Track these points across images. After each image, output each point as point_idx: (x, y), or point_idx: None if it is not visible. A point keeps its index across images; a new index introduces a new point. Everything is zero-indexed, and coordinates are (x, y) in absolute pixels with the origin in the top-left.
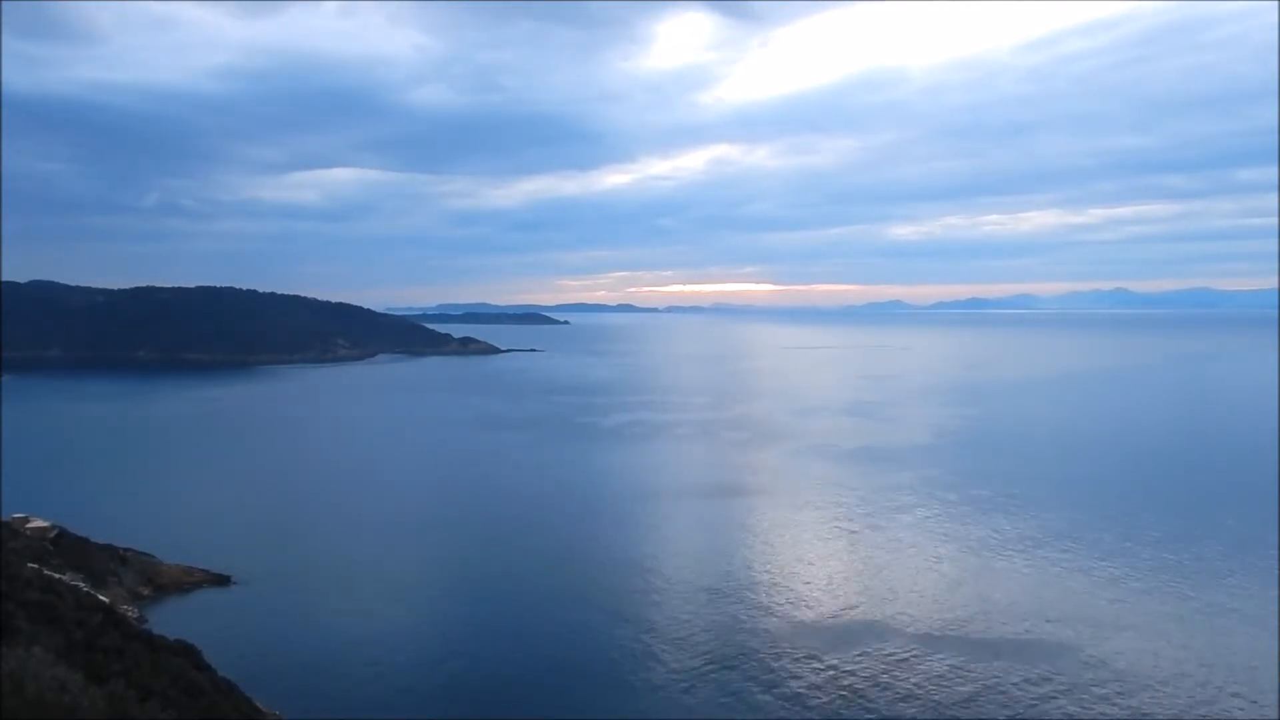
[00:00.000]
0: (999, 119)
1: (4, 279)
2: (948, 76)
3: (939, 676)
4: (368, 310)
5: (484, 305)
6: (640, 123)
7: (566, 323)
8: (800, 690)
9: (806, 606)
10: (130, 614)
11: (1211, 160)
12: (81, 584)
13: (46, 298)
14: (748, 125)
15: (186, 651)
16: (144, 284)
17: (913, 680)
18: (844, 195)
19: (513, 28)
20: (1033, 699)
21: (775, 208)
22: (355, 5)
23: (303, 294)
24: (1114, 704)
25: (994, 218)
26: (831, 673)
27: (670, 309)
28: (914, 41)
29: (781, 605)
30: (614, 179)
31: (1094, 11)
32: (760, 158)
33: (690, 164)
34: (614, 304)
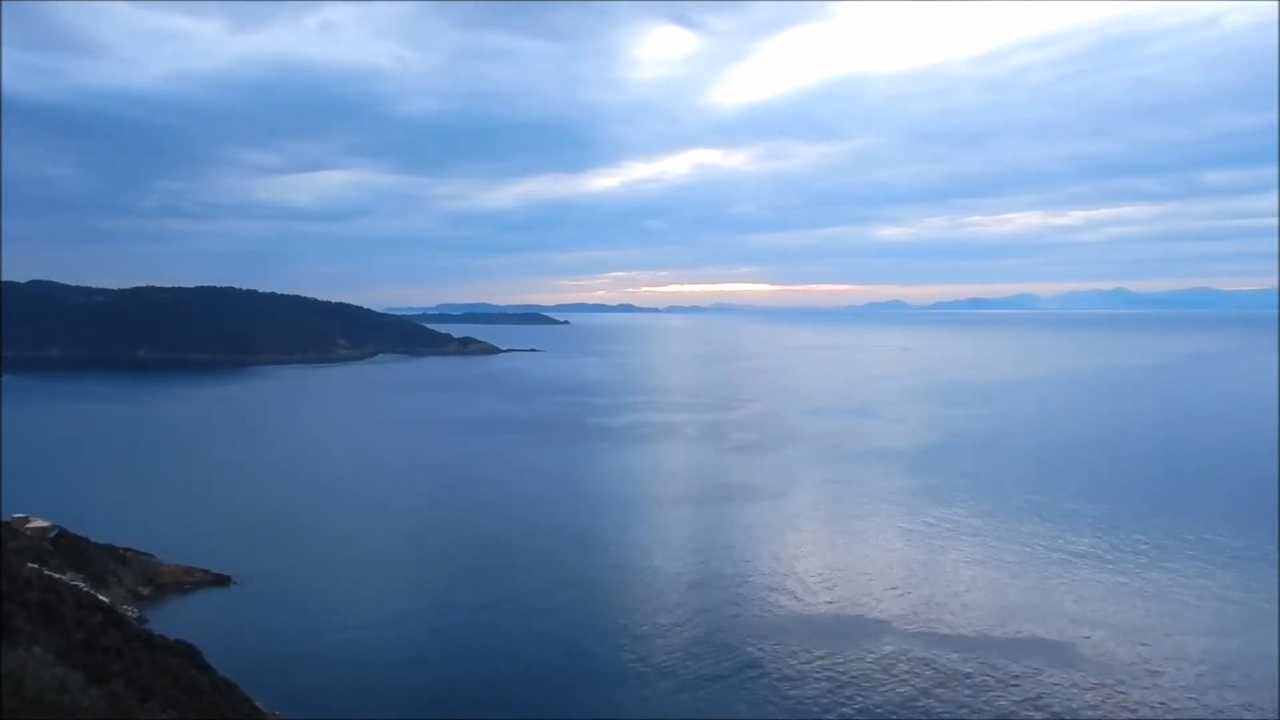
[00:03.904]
0: (963, 126)
1: (4, 279)
2: (908, 87)
3: (940, 676)
4: (368, 310)
5: (484, 305)
6: (621, 128)
7: (567, 323)
8: (802, 690)
9: (811, 607)
10: (130, 614)
11: (1176, 165)
12: (81, 584)
13: (46, 298)
14: (725, 131)
15: (186, 651)
16: (144, 284)
17: (914, 680)
18: (825, 198)
19: (488, 39)
20: (1033, 699)
21: (759, 209)
22: (337, 19)
23: (303, 294)
24: (1115, 704)
25: (976, 218)
26: (835, 673)
27: (670, 309)
28: (872, 56)
29: (785, 606)
30: (601, 182)
31: (1040, 26)
32: (740, 162)
33: (674, 168)
34: (614, 304)
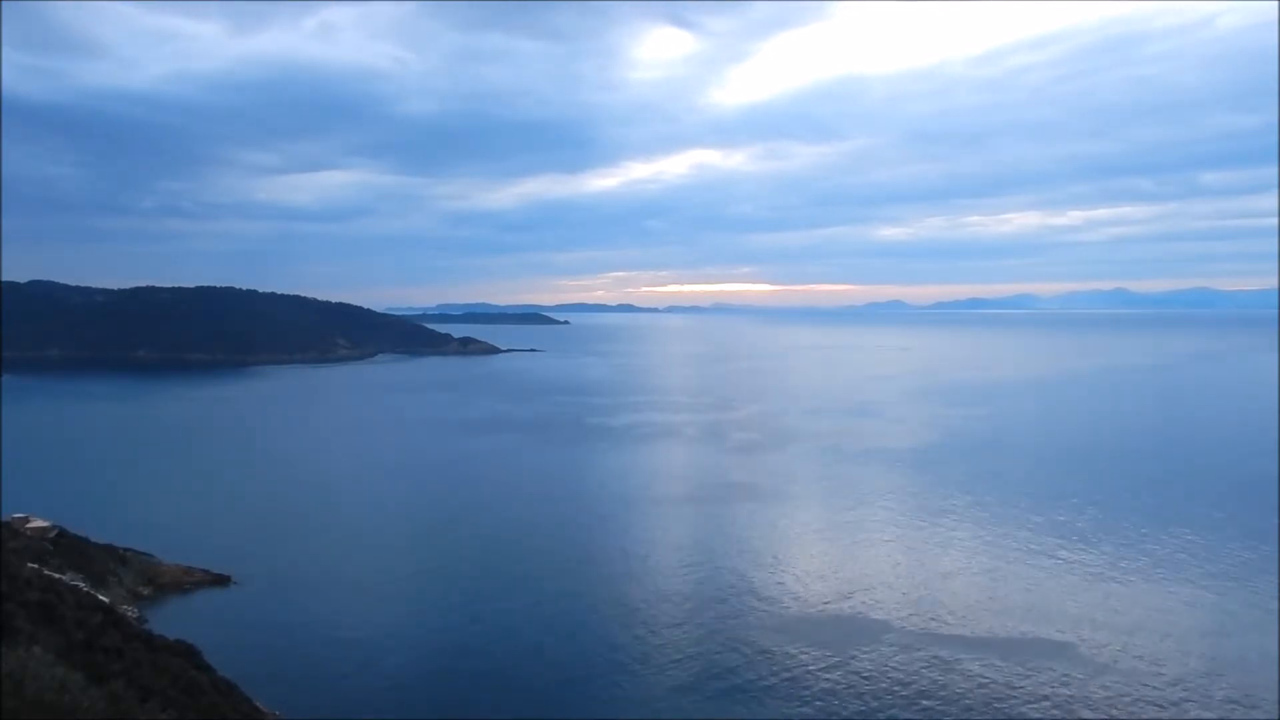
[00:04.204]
0: (962, 126)
1: (4, 279)
2: (906, 87)
3: (939, 676)
4: (368, 310)
5: (484, 305)
6: (620, 129)
7: (567, 323)
8: (801, 690)
9: (811, 607)
10: (130, 614)
11: (1174, 165)
12: (81, 584)
13: (46, 298)
14: (724, 132)
15: (186, 651)
16: (144, 284)
17: (914, 680)
18: (825, 198)
19: (487, 40)
20: (1033, 699)
21: (758, 209)
22: (335, 21)
23: (303, 294)
24: (1115, 704)
25: (976, 219)
26: (834, 673)
27: (670, 309)
28: (870, 56)
29: (785, 606)
30: (600, 182)
31: (1036, 28)
32: (739, 162)
33: (673, 168)
34: (614, 304)
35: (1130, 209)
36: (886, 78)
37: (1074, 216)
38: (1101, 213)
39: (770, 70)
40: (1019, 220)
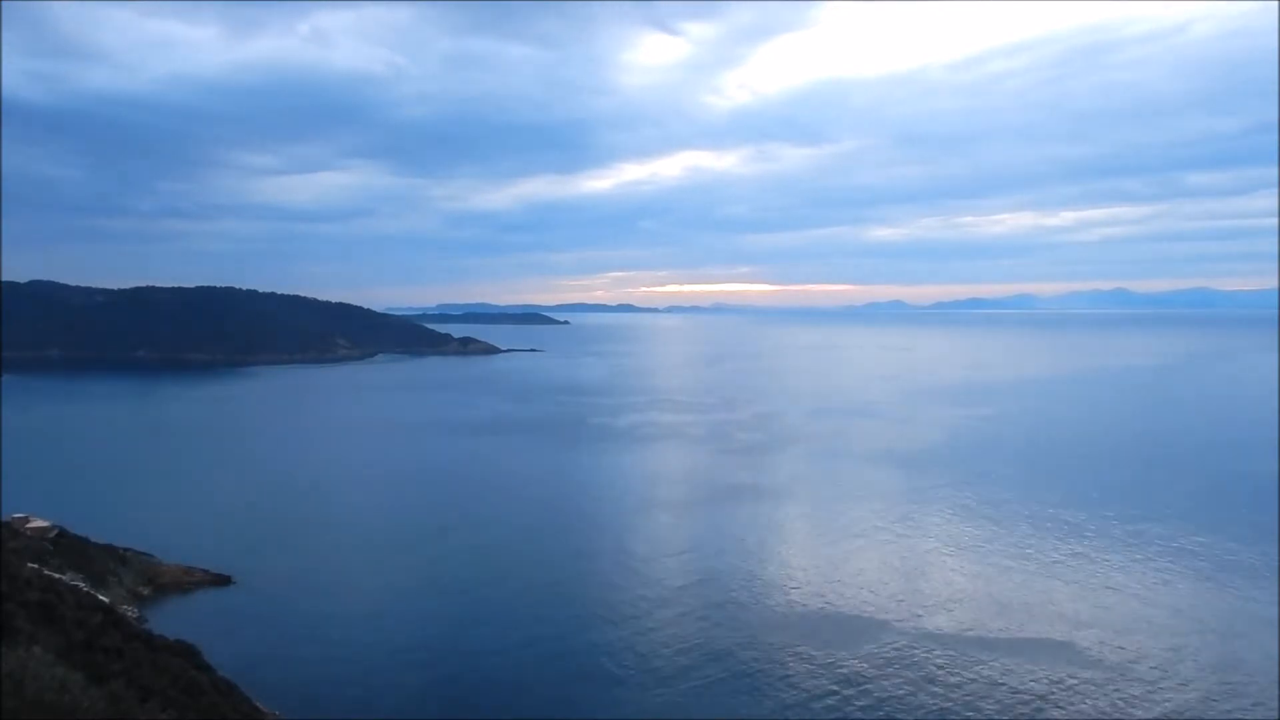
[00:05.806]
0: (947, 129)
1: (4, 279)
2: (890, 91)
3: (940, 676)
4: (368, 310)
5: (484, 305)
6: (614, 131)
7: (566, 323)
8: (801, 690)
9: (811, 607)
10: (130, 614)
11: (1158, 166)
12: (81, 584)
13: (46, 298)
14: (714, 134)
15: (186, 651)
16: (144, 284)
17: (913, 680)
18: (817, 199)
19: (480, 45)
20: (1033, 699)
21: (752, 210)
22: (326, 26)
23: (303, 294)
24: (1115, 704)
25: (969, 219)
26: (834, 673)
27: (670, 309)
28: (852, 61)
29: (785, 606)
30: (595, 184)
31: (1011, 34)
32: (730, 164)
33: (666, 170)
34: (613, 304)
35: (1123, 209)
36: (869, 82)
37: (1066, 217)
38: (1094, 213)
39: (758, 74)
40: (1012, 221)
